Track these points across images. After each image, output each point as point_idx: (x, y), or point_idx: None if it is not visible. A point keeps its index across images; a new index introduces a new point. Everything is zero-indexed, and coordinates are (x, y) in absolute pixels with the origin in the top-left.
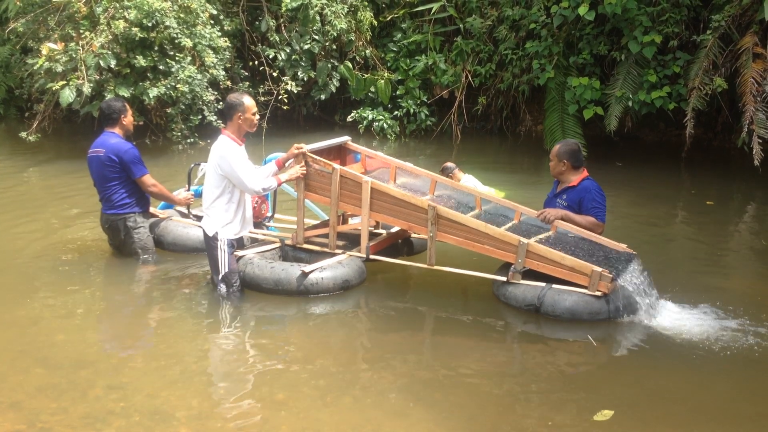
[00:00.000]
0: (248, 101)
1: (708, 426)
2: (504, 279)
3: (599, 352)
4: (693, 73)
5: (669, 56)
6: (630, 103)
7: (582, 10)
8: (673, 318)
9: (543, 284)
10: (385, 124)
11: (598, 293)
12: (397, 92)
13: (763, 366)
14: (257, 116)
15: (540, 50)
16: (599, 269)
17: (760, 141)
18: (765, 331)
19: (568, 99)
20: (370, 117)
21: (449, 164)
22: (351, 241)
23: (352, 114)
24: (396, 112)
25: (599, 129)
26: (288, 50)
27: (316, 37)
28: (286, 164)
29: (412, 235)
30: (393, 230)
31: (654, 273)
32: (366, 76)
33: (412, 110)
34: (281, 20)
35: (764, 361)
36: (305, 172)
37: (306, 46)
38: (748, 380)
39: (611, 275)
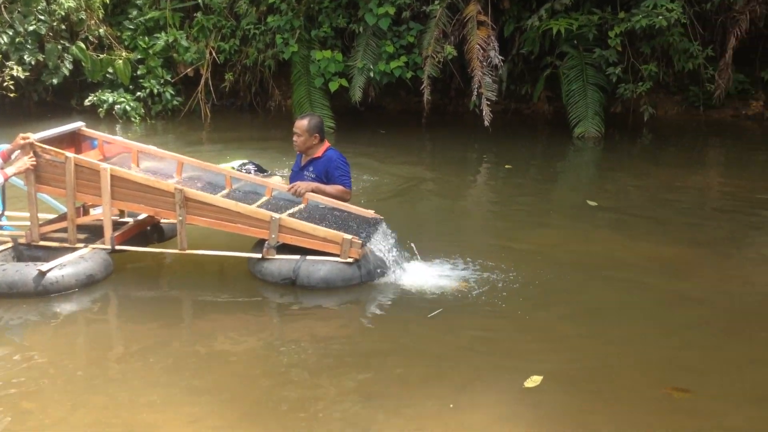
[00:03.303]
0: None
1: (451, 376)
2: (259, 256)
3: (354, 315)
4: (426, 42)
5: (403, 27)
6: (371, 74)
7: None
8: (421, 275)
9: (298, 257)
10: (127, 107)
11: (350, 260)
12: (138, 72)
13: (498, 313)
14: None
15: (282, 24)
16: (349, 237)
17: (489, 103)
18: (500, 279)
19: (313, 72)
20: (111, 100)
21: None
22: (95, 233)
23: (90, 97)
24: (139, 93)
25: (345, 100)
26: (11, 32)
27: (42, 17)
28: (13, 156)
29: (162, 220)
30: (140, 217)
31: (403, 234)
32: (102, 56)
33: (156, 90)
34: (0, 1)
35: (504, 308)
36: (35, 163)
37: (31, 27)
38: (485, 328)
39: (361, 241)
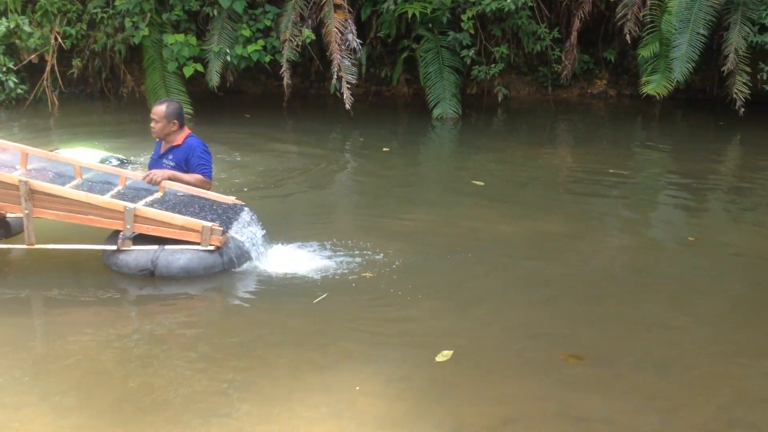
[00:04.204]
0: None
1: (315, 352)
2: (114, 248)
3: (219, 304)
4: (283, 25)
5: (259, 10)
6: (228, 58)
7: None
8: (286, 260)
9: (155, 247)
10: None
11: (211, 247)
12: None
13: (387, 294)
14: None
15: (131, 8)
16: (209, 224)
17: (349, 86)
18: (361, 260)
19: (167, 57)
20: None
21: None
22: None
23: None
24: None
25: (203, 85)
26: None
27: None
28: None
29: (8, 215)
30: None
31: (267, 220)
32: None
33: None
34: None
35: (392, 290)
36: None
37: None
38: (347, 306)
39: (221, 228)
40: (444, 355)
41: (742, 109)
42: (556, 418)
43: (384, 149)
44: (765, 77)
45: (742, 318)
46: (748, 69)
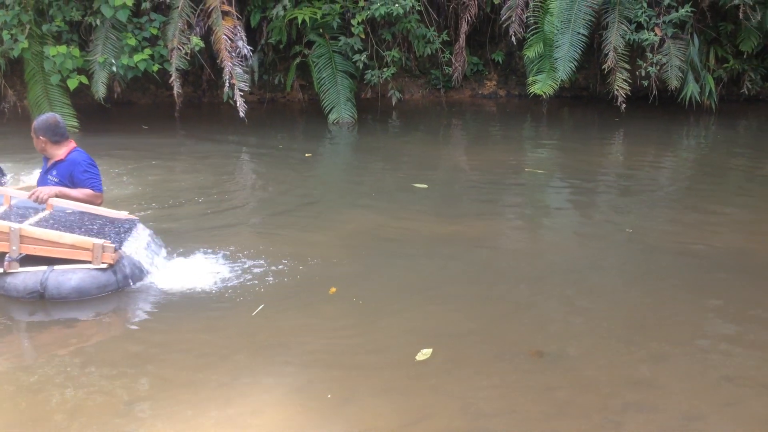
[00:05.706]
0: None
1: (216, 366)
2: (0, 270)
3: (115, 323)
4: (170, 34)
5: (144, 19)
6: (114, 69)
7: None
8: (185, 275)
9: (44, 268)
10: None
11: (104, 266)
12: None
13: (262, 296)
14: None
15: (9, 20)
16: (100, 241)
17: (242, 94)
18: (264, 269)
19: (49, 69)
20: None
21: None
22: None
23: None
24: None
25: (90, 98)
26: None
27: None
28: None
29: None
30: None
31: (165, 233)
32: None
33: None
34: None
35: (268, 293)
36: None
37: None
38: (216, 319)
39: (114, 245)
40: (424, 354)
41: (624, 105)
42: (459, 415)
43: (307, 154)
44: (643, 73)
45: (638, 308)
46: (627, 66)
